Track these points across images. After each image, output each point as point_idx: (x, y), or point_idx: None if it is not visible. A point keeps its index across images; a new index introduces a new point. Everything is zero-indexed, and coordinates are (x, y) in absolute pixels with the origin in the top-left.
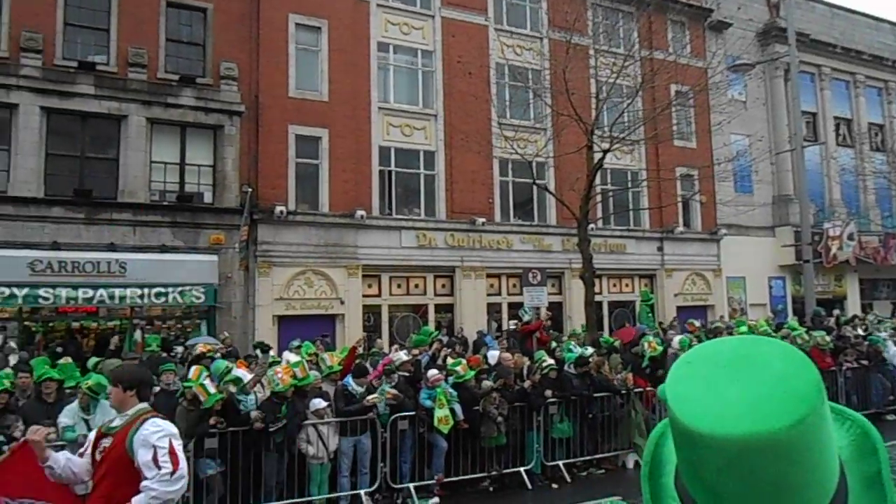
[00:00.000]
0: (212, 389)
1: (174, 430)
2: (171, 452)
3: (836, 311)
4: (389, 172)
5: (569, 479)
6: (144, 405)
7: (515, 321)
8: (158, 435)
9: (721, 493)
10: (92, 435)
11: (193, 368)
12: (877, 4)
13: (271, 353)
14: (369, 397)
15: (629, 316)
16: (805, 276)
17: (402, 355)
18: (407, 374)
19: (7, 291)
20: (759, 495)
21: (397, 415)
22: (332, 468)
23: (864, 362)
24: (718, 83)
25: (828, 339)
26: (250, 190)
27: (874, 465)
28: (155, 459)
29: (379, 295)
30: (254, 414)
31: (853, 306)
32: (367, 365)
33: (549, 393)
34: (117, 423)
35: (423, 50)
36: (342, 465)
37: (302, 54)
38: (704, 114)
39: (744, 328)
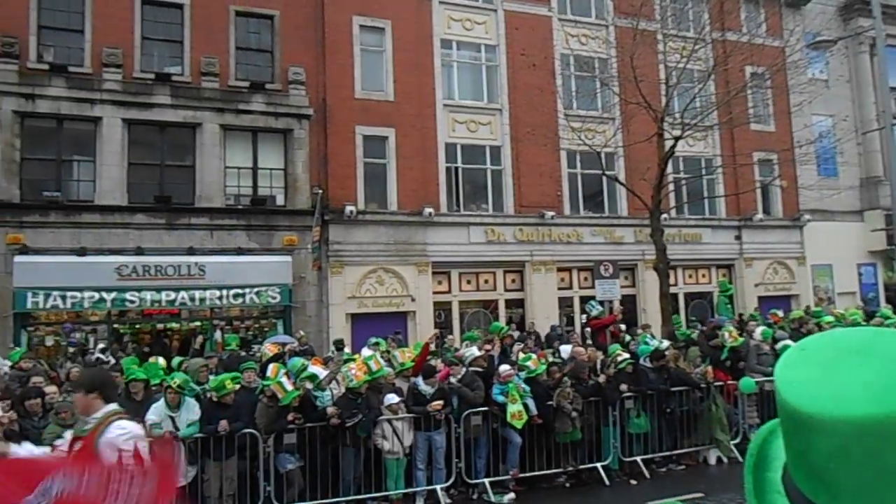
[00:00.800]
0: (289, 387)
1: (140, 431)
2: (136, 455)
3: None
4: (456, 169)
5: (647, 476)
6: (113, 406)
7: (586, 315)
8: (124, 437)
9: (832, 481)
10: (68, 437)
11: (271, 366)
12: None
13: (346, 349)
14: (433, 403)
15: (707, 307)
16: None
17: (475, 350)
18: (480, 368)
19: (97, 296)
20: (871, 484)
21: (470, 410)
22: (407, 463)
23: None
24: (797, 62)
25: None
26: (321, 191)
27: None
28: (120, 462)
29: (449, 291)
30: (330, 409)
31: None
32: (436, 364)
33: (624, 387)
34: (88, 426)
35: (486, 45)
36: (417, 460)
37: (367, 55)
38: (783, 95)
39: (828, 318)
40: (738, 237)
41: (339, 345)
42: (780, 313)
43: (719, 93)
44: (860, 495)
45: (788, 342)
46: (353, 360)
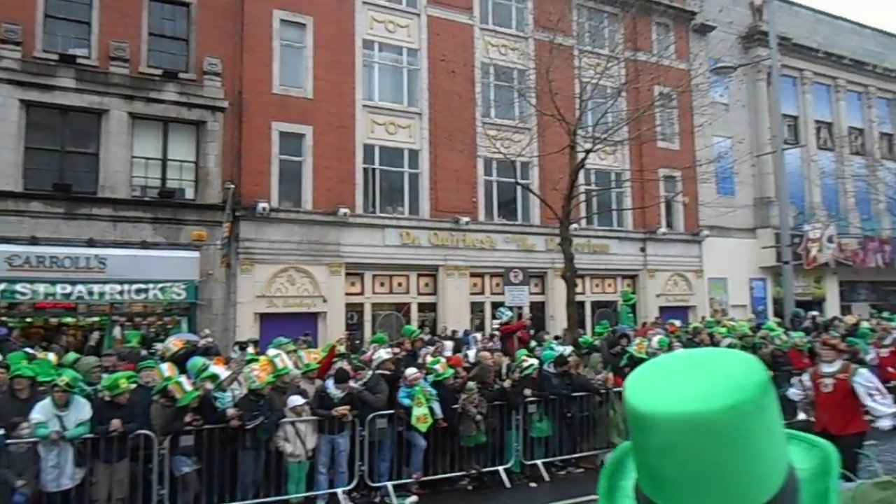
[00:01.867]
0: (187, 387)
1: None
2: None
3: (814, 313)
4: (373, 170)
5: (547, 478)
6: None
7: (498, 321)
8: None
9: (662, 477)
10: None
11: (166, 365)
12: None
13: (250, 349)
14: (339, 409)
15: (612, 316)
16: (784, 278)
17: (383, 353)
18: (387, 371)
19: None
20: (695, 479)
21: (375, 413)
22: (309, 466)
23: None
24: (700, 85)
25: (805, 339)
26: (233, 186)
27: (825, 484)
28: None
29: (362, 293)
30: (230, 411)
31: (832, 308)
32: (348, 368)
33: (528, 392)
34: None
35: (408, 48)
36: (319, 463)
37: (286, 50)
38: (687, 115)
39: (721, 329)
40: (643, 249)
41: (242, 345)
42: (677, 323)
43: (629, 109)
44: (685, 489)
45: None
46: (257, 360)
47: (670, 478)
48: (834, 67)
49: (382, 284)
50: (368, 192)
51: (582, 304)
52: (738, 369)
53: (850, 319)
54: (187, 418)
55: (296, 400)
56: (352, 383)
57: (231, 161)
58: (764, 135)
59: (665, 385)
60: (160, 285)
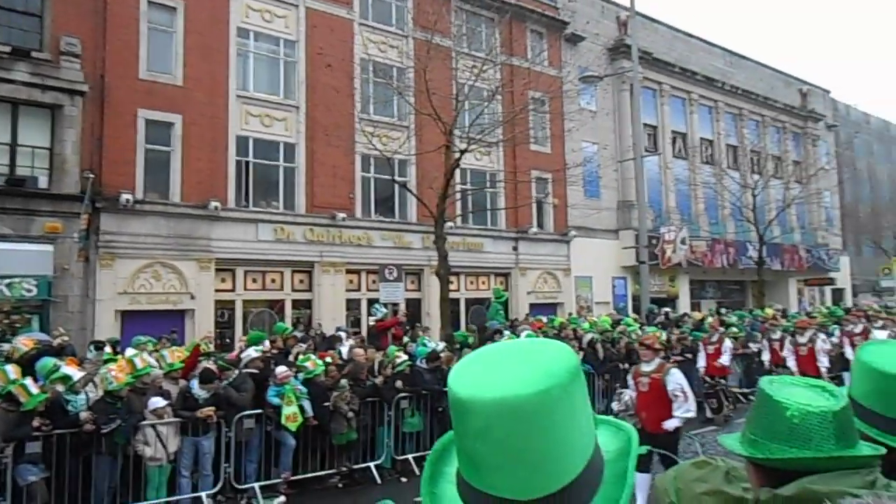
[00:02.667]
0: (34, 389)
1: None
2: None
3: (666, 309)
4: (247, 163)
5: (418, 473)
6: None
7: (374, 317)
8: None
9: (478, 459)
10: None
11: (11, 367)
12: (711, 29)
13: (107, 349)
14: (204, 410)
15: (484, 312)
16: (641, 277)
17: (252, 352)
18: (256, 370)
19: None
20: (507, 461)
21: (242, 413)
22: (171, 470)
23: (689, 356)
24: (569, 92)
25: (659, 334)
26: (92, 176)
27: (625, 463)
28: None
29: (233, 290)
30: (83, 415)
31: (684, 305)
32: (214, 368)
33: (399, 385)
34: None
35: (285, 39)
36: (182, 467)
37: (154, 34)
38: (558, 120)
39: (585, 325)
40: (515, 248)
41: (99, 344)
42: (544, 319)
43: (504, 112)
44: (498, 471)
45: None
46: (115, 360)
47: (486, 460)
48: (688, 82)
49: (255, 281)
50: (241, 185)
51: (457, 300)
52: (551, 357)
53: (697, 315)
54: (35, 423)
55: (157, 402)
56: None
57: (91, 149)
58: (627, 142)
59: (483, 373)
60: (7, 280)
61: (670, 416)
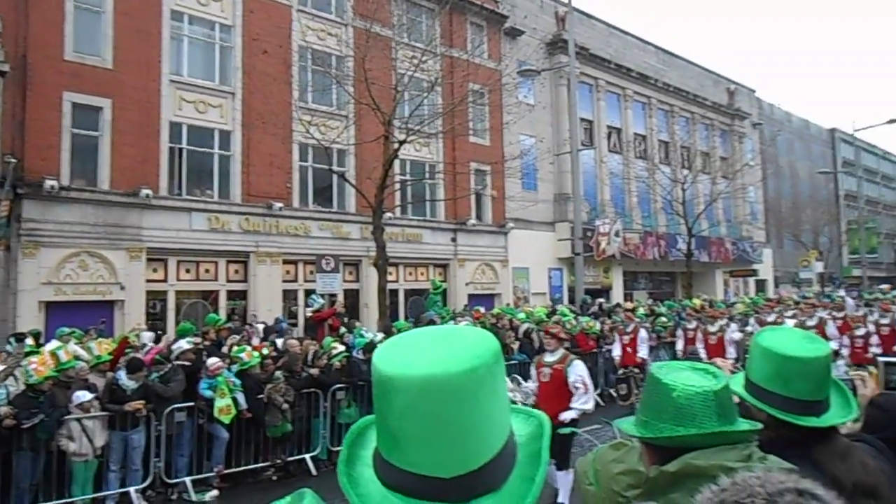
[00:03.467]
0: None
1: None
2: None
3: (600, 300)
4: (180, 150)
5: None
6: None
7: (311, 308)
8: None
9: (401, 438)
10: None
11: None
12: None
13: (29, 341)
14: (132, 403)
15: (423, 303)
16: (576, 268)
17: (183, 344)
18: (187, 362)
19: None
20: (432, 437)
21: (173, 406)
22: (99, 465)
23: None
24: (507, 85)
25: (593, 323)
26: (14, 161)
27: (538, 444)
28: None
29: (165, 280)
30: (2, 409)
31: (617, 295)
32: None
33: (336, 376)
34: None
35: (221, 24)
36: (110, 462)
37: (82, 14)
38: (497, 113)
39: (521, 315)
40: (454, 239)
41: (20, 336)
42: (482, 309)
43: (444, 103)
44: (422, 447)
45: None
46: (38, 353)
47: (411, 438)
48: (623, 79)
49: (188, 271)
50: (174, 172)
51: (396, 291)
52: (474, 340)
53: (628, 305)
54: None
55: (82, 395)
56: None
57: (12, 132)
58: (563, 135)
59: (410, 353)
60: None
61: (568, 407)
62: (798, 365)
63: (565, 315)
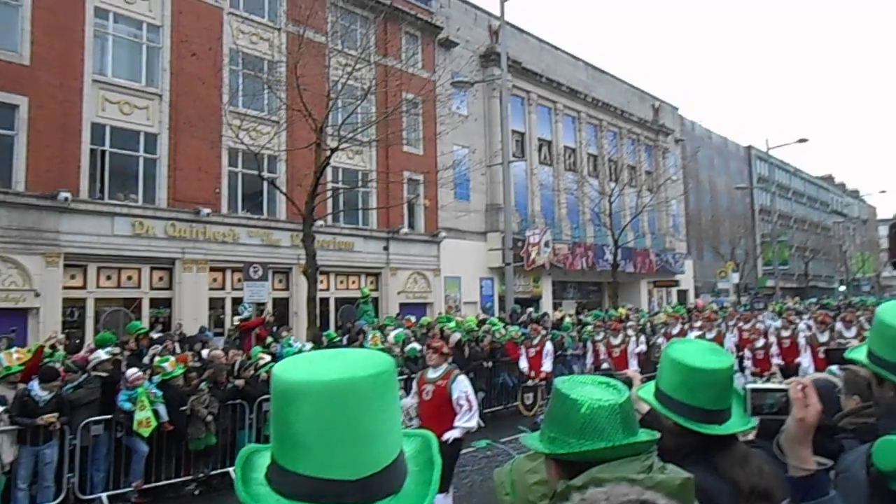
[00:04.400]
0: None
1: None
2: None
3: (530, 309)
4: (103, 152)
5: None
6: None
7: (238, 317)
8: None
9: (307, 444)
10: None
11: None
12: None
13: None
14: (46, 417)
15: (354, 312)
16: (507, 278)
17: (101, 354)
18: (105, 374)
19: None
20: (338, 442)
21: (90, 419)
22: (7, 482)
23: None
24: (440, 95)
25: (520, 332)
26: None
27: (428, 453)
28: None
29: (84, 287)
30: None
31: (546, 305)
32: (60, 368)
33: (263, 388)
34: None
35: (149, 23)
36: (19, 479)
37: None
38: (430, 123)
39: (452, 324)
40: (386, 248)
41: None
42: (413, 319)
43: (377, 112)
44: (327, 452)
45: (416, 345)
46: None
47: (316, 444)
48: (554, 93)
49: (109, 278)
50: (96, 175)
51: (327, 300)
52: (372, 354)
53: (557, 315)
54: None
55: None
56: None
57: None
58: (495, 147)
59: (313, 365)
60: None
61: (451, 426)
62: (702, 376)
63: (495, 325)
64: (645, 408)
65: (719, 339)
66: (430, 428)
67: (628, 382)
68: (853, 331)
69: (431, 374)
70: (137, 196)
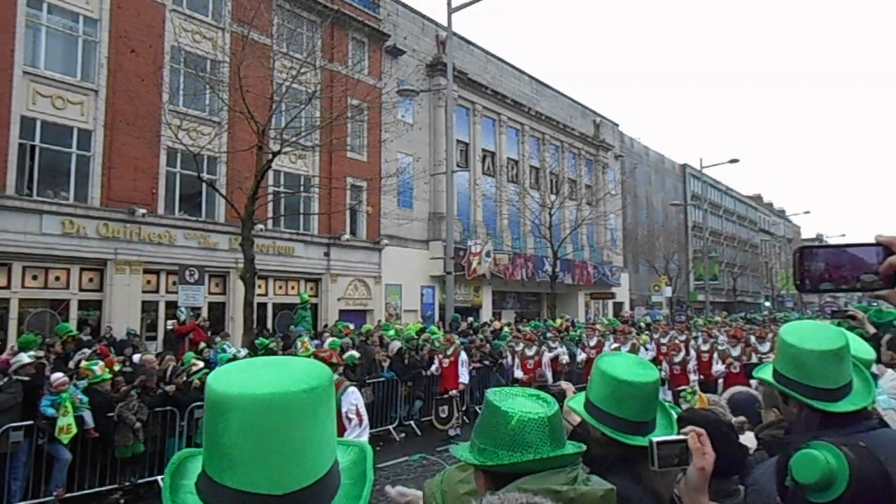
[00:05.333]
0: None
1: None
2: None
3: (470, 318)
4: (32, 147)
5: None
6: None
7: (173, 321)
8: None
9: (237, 457)
10: None
11: None
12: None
13: None
14: None
15: (291, 318)
16: (447, 287)
17: (24, 357)
18: (27, 378)
19: None
20: (271, 455)
21: (10, 425)
22: None
23: (487, 363)
24: (386, 103)
25: (458, 341)
26: None
27: (362, 467)
28: None
29: (8, 287)
30: None
31: (486, 314)
32: None
33: (195, 395)
34: None
35: (85, 16)
36: None
37: None
38: (375, 130)
39: (391, 332)
40: (327, 254)
41: None
42: (352, 326)
43: (322, 117)
44: (259, 466)
45: (354, 353)
46: None
47: (247, 457)
48: (499, 105)
49: (35, 278)
50: (25, 171)
51: (265, 305)
52: (307, 366)
53: (496, 324)
54: None
55: None
56: None
57: None
58: (440, 156)
59: (246, 375)
60: None
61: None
62: (629, 388)
63: (434, 333)
64: (577, 419)
65: (633, 353)
66: None
67: (561, 394)
68: (766, 346)
69: None
70: (69, 194)
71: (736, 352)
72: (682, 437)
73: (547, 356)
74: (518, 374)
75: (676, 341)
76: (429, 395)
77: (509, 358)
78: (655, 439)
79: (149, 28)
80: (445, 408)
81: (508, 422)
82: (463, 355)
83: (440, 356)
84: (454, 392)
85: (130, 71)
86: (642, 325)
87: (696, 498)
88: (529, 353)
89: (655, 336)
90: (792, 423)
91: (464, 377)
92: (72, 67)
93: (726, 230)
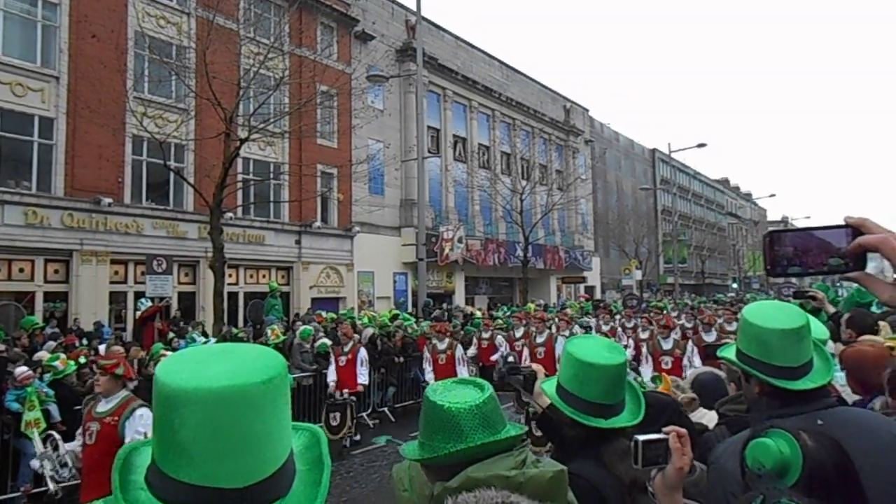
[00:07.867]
0: None
1: None
2: None
3: (444, 304)
4: None
5: None
6: None
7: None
8: None
9: (195, 452)
10: None
11: None
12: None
13: None
14: None
15: (262, 307)
16: (419, 273)
17: None
18: None
19: None
20: (227, 449)
21: None
22: None
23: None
24: (356, 88)
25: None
26: None
27: (317, 451)
28: None
29: None
30: None
31: (459, 299)
32: None
33: None
34: None
35: (45, 0)
36: None
37: None
38: (345, 116)
39: (365, 319)
40: (298, 242)
41: None
42: (324, 314)
43: (291, 103)
44: (216, 460)
45: (326, 341)
46: None
47: (204, 451)
48: (470, 90)
49: None
50: None
51: (236, 294)
52: (263, 355)
53: (468, 310)
54: None
55: None
56: None
57: None
58: (411, 142)
59: (199, 367)
60: None
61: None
62: (593, 370)
63: (407, 319)
64: (546, 401)
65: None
66: (89, 482)
67: (532, 375)
68: (734, 325)
69: (102, 406)
70: (31, 184)
71: (710, 337)
72: (663, 436)
73: (499, 340)
74: (511, 358)
75: (614, 326)
76: (402, 381)
77: (475, 344)
78: (641, 438)
79: (110, 12)
80: (337, 414)
81: (440, 413)
82: (363, 353)
83: (336, 353)
84: (352, 397)
85: (92, 57)
86: (612, 309)
87: (671, 495)
88: (485, 335)
89: (621, 321)
90: (752, 402)
91: (362, 378)
92: (31, 53)
93: (695, 214)
